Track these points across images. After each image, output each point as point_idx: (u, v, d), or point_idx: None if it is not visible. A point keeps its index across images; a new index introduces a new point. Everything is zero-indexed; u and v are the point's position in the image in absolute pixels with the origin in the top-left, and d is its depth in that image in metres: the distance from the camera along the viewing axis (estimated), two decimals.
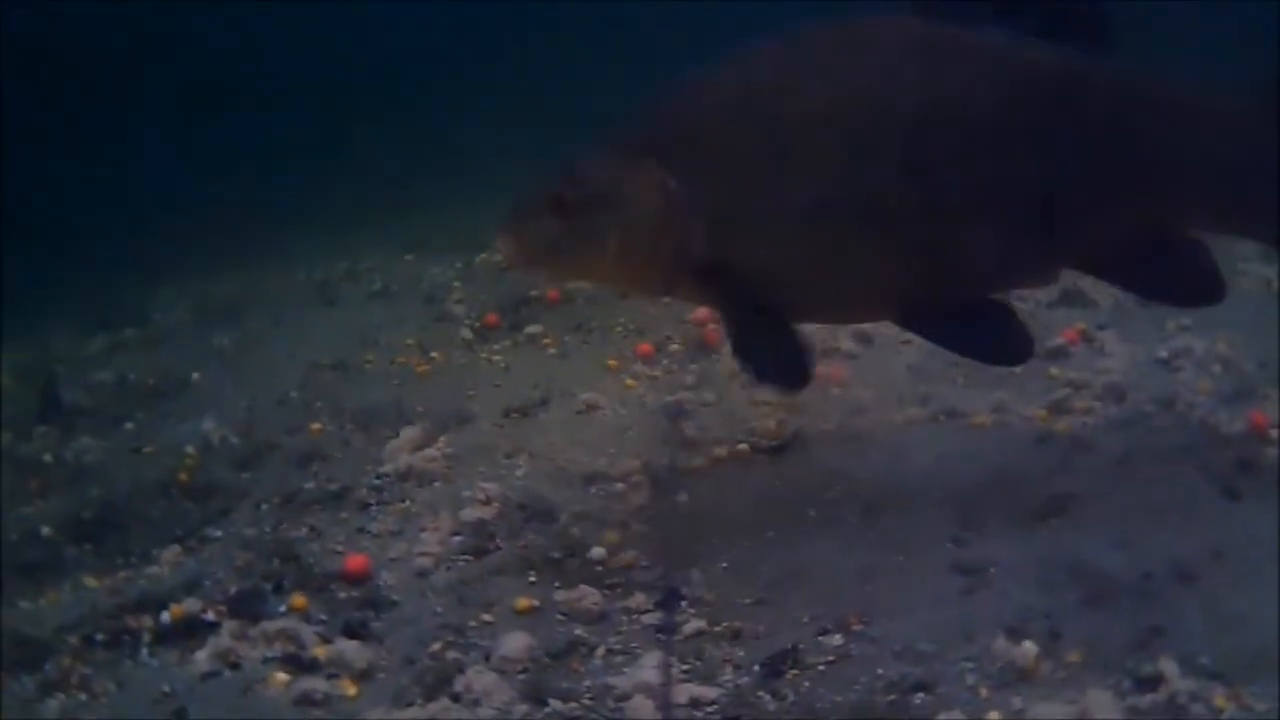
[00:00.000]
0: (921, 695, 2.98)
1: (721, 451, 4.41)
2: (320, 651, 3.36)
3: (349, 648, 3.32)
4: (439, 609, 3.53)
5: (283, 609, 3.61)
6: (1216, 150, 1.58)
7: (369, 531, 4.06)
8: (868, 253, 1.59)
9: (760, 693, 3.03)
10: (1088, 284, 5.94)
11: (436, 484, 4.34)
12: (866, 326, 5.47)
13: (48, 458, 5.08)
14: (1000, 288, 1.72)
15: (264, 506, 4.38)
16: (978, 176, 1.52)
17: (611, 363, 5.35)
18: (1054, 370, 4.93)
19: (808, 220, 1.57)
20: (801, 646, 3.19)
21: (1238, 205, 1.65)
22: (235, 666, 3.38)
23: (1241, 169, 1.61)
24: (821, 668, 3.12)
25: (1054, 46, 1.56)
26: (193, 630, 3.55)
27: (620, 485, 4.18)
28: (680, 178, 1.68)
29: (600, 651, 3.27)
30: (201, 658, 3.41)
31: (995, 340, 1.75)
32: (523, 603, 3.50)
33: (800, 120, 1.65)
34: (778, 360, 1.71)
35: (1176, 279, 1.82)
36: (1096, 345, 5.19)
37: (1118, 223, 1.65)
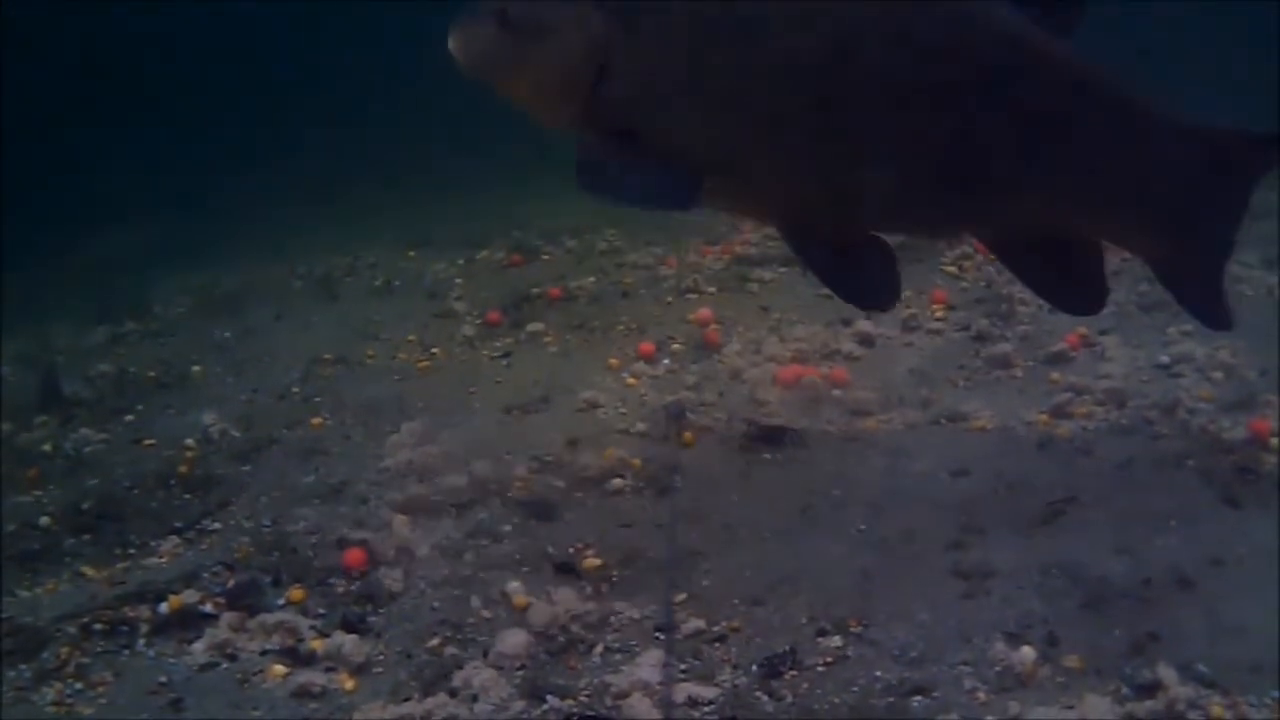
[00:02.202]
0: (919, 699, 2.98)
1: (722, 451, 4.41)
2: (318, 645, 3.36)
3: (347, 641, 3.32)
4: (437, 604, 3.53)
5: (281, 602, 3.61)
6: (1135, 162, 1.53)
7: (368, 526, 4.06)
8: (762, 153, 1.57)
9: (758, 693, 3.03)
10: None
11: (436, 480, 4.34)
12: (867, 328, 5.48)
13: (47, 448, 5.08)
14: (888, 229, 1.69)
15: (263, 500, 4.38)
16: (883, 113, 1.48)
17: (612, 361, 5.35)
18: (1055, 375, 4.93)
19: (713, 106, 1.57)
20: (800, 648, 3.19)
21: (1140, 225, 1.61)
22: (233, 658, 3.39)
23: (1156, 190, 1.56)
24: (820, 669, 3.12)
25: (1010, 15, 1.52)
26: (190, 622, 3.55)
27: (620, 483, 4.18)
28: (610, 23, 1.72)
29: (598, 649, 3.27)
30: (199, 649, 3.42)
31: (865, 282, 1.72)
32: (521, 599, 3.50)
33: (729, 12, 1.66)
34: (652, 182, 1.68)
35: (1064, 281, 1.79)
36: (1098, 350, 5.18)
37: (1020, 205, 1.60)
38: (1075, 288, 1.80)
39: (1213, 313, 1.74)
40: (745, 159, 1.56)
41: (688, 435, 4.54)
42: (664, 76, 1.71)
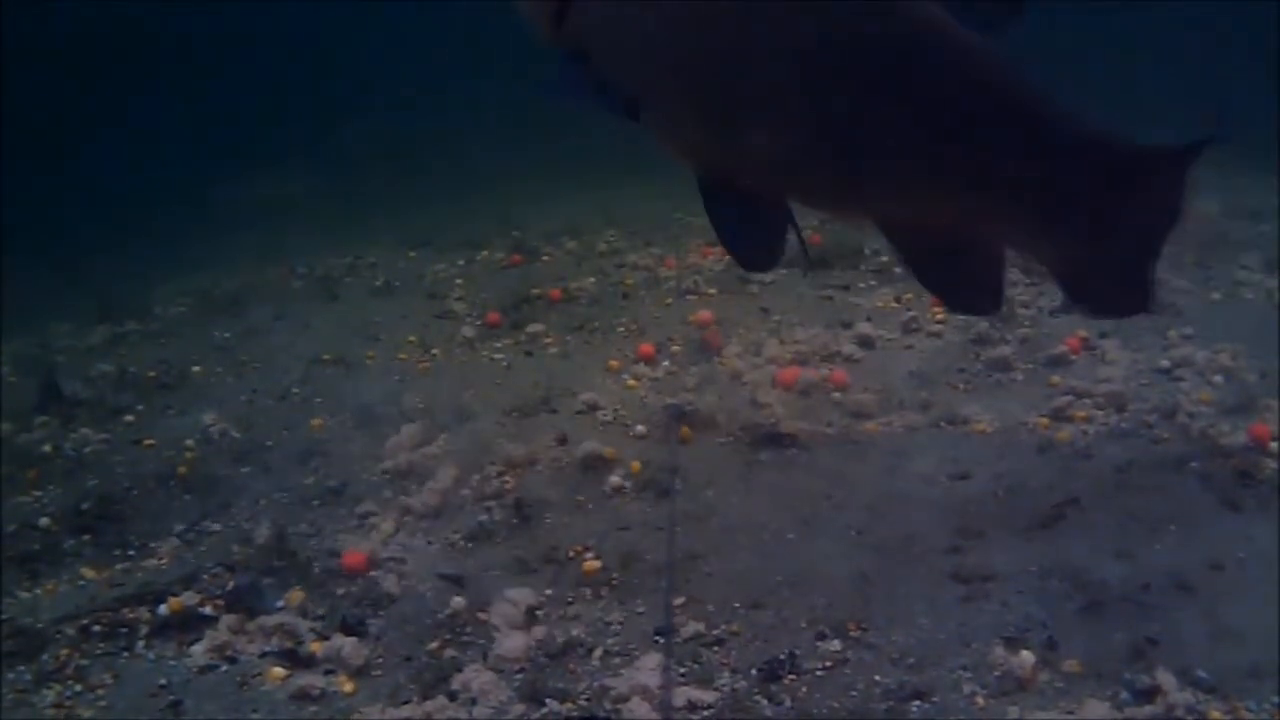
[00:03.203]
0: (918, 703, 2.98)
1: (721, 454, 4.41)
2: (317, 647, 3.36)
3: (346, 644, 3.32)
4: (437, 607, 3.53)
5: (280, 604, 3.61)
6: (1029, 167, 1.51)
7: (368, 528, 4.06)
8: (678, 102, 1.60)
9: (757, 697, 3.03)
10: None
11: (435, 481, 4.34)
12: (867, 330, 5.48)
13: (47, 449, 5.08)
14: (790, 197, 1.69)
15: (263, 501, 4.38)
16: (783, 82, 1.50)
17: (613, 363, 5.36)
18: (1055, 378, 4.93)
19: (638, 52, 1.60)
20: (799, 651, 3.19)
21: (1033, 230, 1.59)
22: (232, 661, 3.39)
23: (1050, 197, 1.54)
24: (819, 673, 3.12)
25: (927, 6, 1.52)
26: (190, 624, 3.55)
27: (620, 485, 4.18)
28: None
29: (598, 653, 3.27)
30: (198, 651, 3.42)
31: (753, 241, 1.73)
32: (521, 602, 3.49)
33: None
34: (601, 96, 1.71)
35: (958, 278, 1.76)
36: (1098, 353, 5.18)
37: (909, 194, 1.58)
38: (969, 286, 1.78)
39: (1117, 312, 1.75)
40: (665, 105, 1.60)
41: (685, 430, 4.54)
42: (602, 19, 1.76)
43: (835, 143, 1.58)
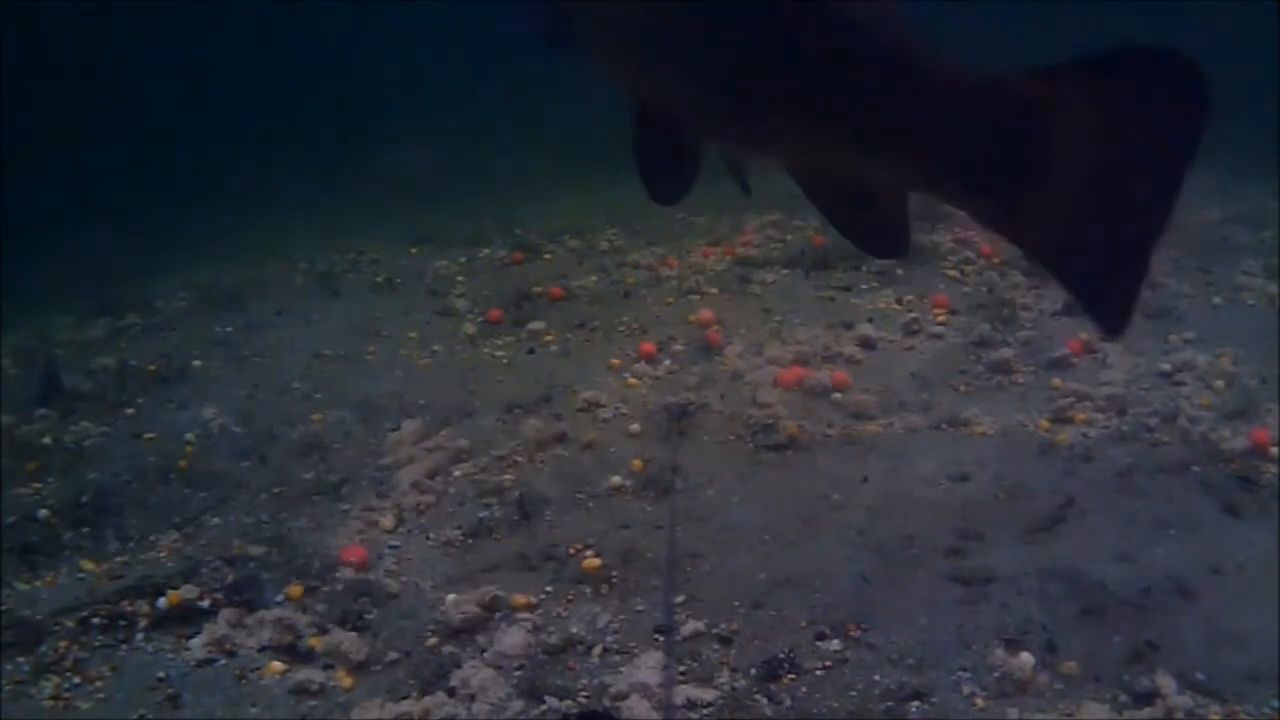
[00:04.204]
0: (918, 704, 2.98)
1: (722, 453, 4.41)
2: (316, 642, 3.36)
3: (345, 639, 3.32)
4: (436, 603, 3.53)
5: (280, 598, 3.61)
6: (909, 109, 1.52)
7: (368, 523, 4.06)
8: (613, 44, 1.67)
9: (756, 696, 3.03)
10: None
11: (437, 478, 4.34)
12: (868, 331, 5.48)
13: (47, 441, 5.06)
14: (703, 134, 1.74)
15: (263, 495, 4.38)
16: (688, 28, 1.56)
17: (614, 361, 5.35)
18: (1056, 381, 4.93)
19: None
20: (799, 651, 3.19)
21: (924, 170, 1.58)
22: (231, 654, 3.38)
23: (935, 138, 1.52)
24: (818, 673, 3.12)
25: None
26: (189, 617, 3.55)
27: (621, 484, 4.18)
28: None
29: (597, 650, 3.27)
30: (197, 645, 3.42)
31: (661, 175, 1.77)
32: (520, 599, 3.50)
33: None
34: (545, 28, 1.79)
35: (866, 223, 1.77)
36: (1099, 357, 5.19)
37: (811, 137, 1.61)
38: (874, 230, 1.79)
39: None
40: (597, 42, 1.68)
41: (689, 436, 4.54)
42: None
43: (730, 86, 1.63)
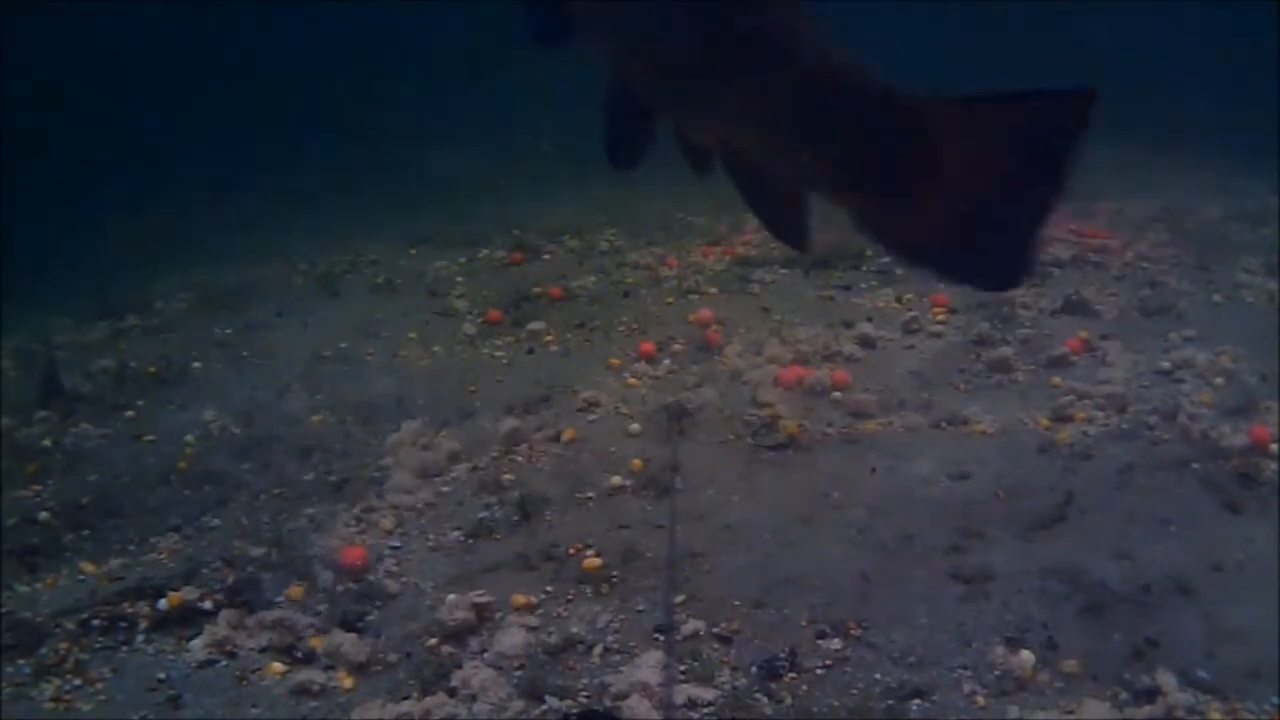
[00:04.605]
0: (918, 702, 2.98)
1: (722, 452, 4.41)
2: (317, 643, 3.36)
3: (346, 640, 3.32)
4: (436, 603, 3.53)
5: (280, 599, 3.61)
6: (795, 109, 1.62)
7: (368, 524, 4.06)
8: (595, 26, 1.82)
9: (757, 695, 3.03)
10: (1091, 293, 5.95)
11: (436, 478, 4.34)
12: (868, 330, 5.48)
13: (47, 443, 5.07)
14: (659, 111, 1.85)
15: (263, 497, 4.38)
16: (634, 13, 1.71)
17: (613, 361, 5.35)
18: (1056, 379, 4.93)
19: None
20: (799, 650, 3.19)
21: (810, 172, 1.68)
22: (231, 656, 3.38)
23: (819, 140, 1.62)
24: (819, 671, 3.12)
25: None
26: (189, 618, 3.55)
27: (621, 484, 4.18)
28: None
29: (598, 650, 3.26)
30: (197, 646, 3.42)
31: (615, 135, 1.88)
32: (521, 599, 3.50)
33: None
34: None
35: (772, 210, 1.87)
36: (1099, 355, 5.19)
37: (709, 122, 1.75)
38: (778, 218, 1.89)
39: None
40: (590, 30, 1.79)
41: (688, 436, 4.54)
42: None
43: (671, 72, 1.74)
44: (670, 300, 6.22)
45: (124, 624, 3.55)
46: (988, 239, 1.59)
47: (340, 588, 3.66)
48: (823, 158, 1.63)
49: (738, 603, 3.43)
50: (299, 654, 3.35)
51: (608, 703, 2.99)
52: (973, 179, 1.54)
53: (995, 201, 1.57)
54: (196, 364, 5.94)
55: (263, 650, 3.39)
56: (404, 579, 3.70)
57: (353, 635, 3.36)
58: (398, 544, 3.93)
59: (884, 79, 1.57)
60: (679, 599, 3.46)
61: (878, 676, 3.08)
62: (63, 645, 3.46)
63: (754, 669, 3.12)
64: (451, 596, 3.50)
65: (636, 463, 4.30)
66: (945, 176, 1.55)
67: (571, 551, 3.76)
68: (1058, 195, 1.53)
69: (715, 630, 3.30)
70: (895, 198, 1.57)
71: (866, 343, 5.42)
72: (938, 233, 1.59)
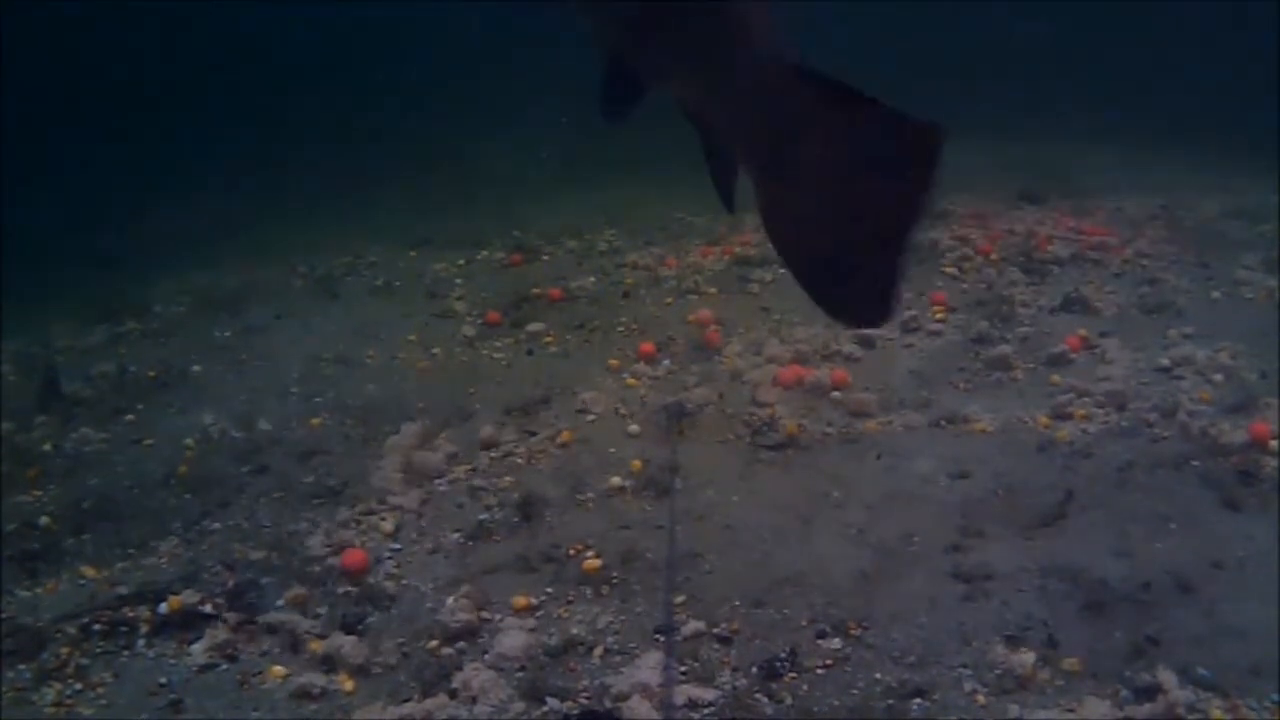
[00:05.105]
0: (919, 701, 2.98)
1: (721, 452, 4.41)
2: (317, 646, 3.36)
3: (346, 643, 3.32)
4: (437, 606, 3.53)
5: (280, 603, 3.61)
6: (723, 84, 1.77)
7: (368, 527, 4.06)
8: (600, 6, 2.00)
9: (758, 695, 3.03)
10: (1090, 291, 5.95)
11: (436, 480, 4.35)
12: (868, 331, 5.49)
13: (47, 447, 5.07)
14: (645, 74, 2.00)
15: (263, 500, 4.38)
16: None
17: (613, 362, 5.35)
18: (1055, 377, 4.93)
19: None
20: (800, 650, 3.19)
21: (733, 141, 1.85)
22: (232, 659, 3.39)
23: (742, 115, 1.76)
24: (819, 671, 3.12)
25: None
26: (190, 622, 3.55)
27: (621, 484, 4.18)
28: None
29: (598, 651, 3.27)
30: (198, 650, 3.42)
31: (607, 96, 2.06)
32: (521, 600, 3.50)
33: None
34: None
35: (713, 172, 2.03)
36: (1098, 352, 5.19)
37: (682, 87, 1.90)
38: (718, 180, 2.04)
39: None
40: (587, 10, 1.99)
41: (688, 436, 4.54)
42: None
43: (638, 41, 1.91)
44: (669, 300, 6.22)
45: (125, 628, 3.56)
46: (852, 251, 1.67)
47: (341, 590, 3.66)
48: (730, 123, 1.77)
49: (738, 603, 3.43)
50: (300, 657, 3.35)
51: (608, 704, 3.00)
52: (844, 172, 1.63)
53: (859, 208, 1.65)
54: (196, 367, 5.94)
55: (264, 654, 3.39)
56: (404, 581, 3.71)
57: (353, 638, 3.36)
58: (398, 546, 3.93)
59: (796, 61, 1.67)
60: (679, 599, 3.47)
61: (878, 676, 3.08)
62: (64, 650, 3.46)
63: (754, 669, 3.13)
64: (451, 599, 3.50)
65: (636, 463, 4.30)
66: (821, 160, 1.64)
67: (571, 553, 3.76)
68: (918, 217, 1.61)
69: (715, 631, 3.31)
70: (780, 175, 1.66)
71: (866, 342, 5.42)
72: (812, 234, 1.68)
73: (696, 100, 1.88)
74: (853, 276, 1.68)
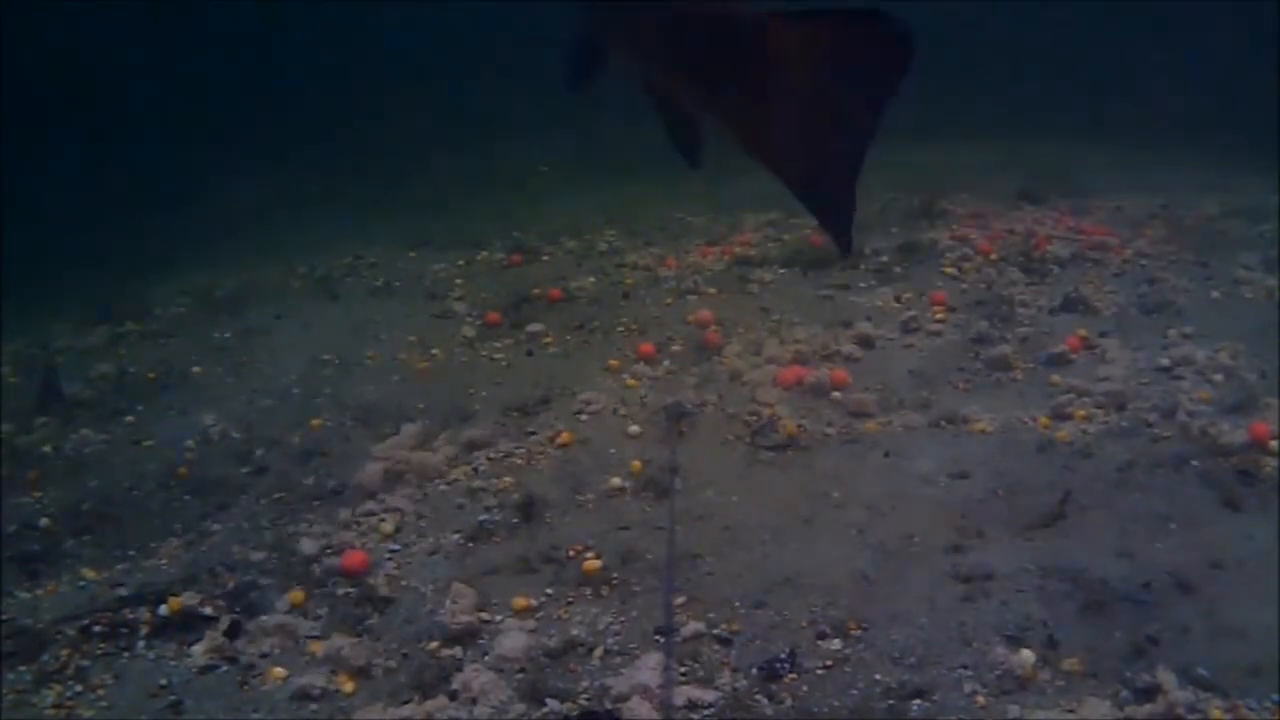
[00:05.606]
0: (919, 701, 2.98)
1: (721, 453, 4.41)
2: (317, 647, 3.36)
3: (346, 644, 3.32)
4: (437, 607, 3.53)
5: (281, 604, 3.61)
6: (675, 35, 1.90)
7: (368, 528, 4.06)
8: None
9: (757, 696, 3.03)
10: (1090, 291, 5.95)
11: (436, 481, 4.35)
12: (867, 330, 5.48)
13: (47, 449, 5.08)
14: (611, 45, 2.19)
15: (263, 501, 4.38)
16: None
17: (612, 362, 5.35)
18: (1055, 377, 4.93)
19: None
20: (799, 650, 3.19)
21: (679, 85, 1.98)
22: (232, 660, 3.39)
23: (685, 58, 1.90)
24: (819, 672, 3.12)
25: None
26: (190, 624, 3.55)
27: (620, 485, 4.18)
28: None
29: (598, 652, 3.27)
30: (198, 651, 3.42)
31: (569, 67, 2.24)
32: (521, 602, 3.50)
33: None
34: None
35: (672, 128, 2.15)
36: (1098, 352, 5.19)
37: (647, 53, 2.05)
38: (677, 135, 2.14)
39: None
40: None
41: (688, 436, 4.54)
42: None
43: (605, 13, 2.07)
44: (669, 301, 6.22)
45: (125, 630, 3.56)
46: (820, 148, 1.78)
47: (341, 592, 3.66)
48: (688, 73, 1.87)
49: (738, 604, 3.43)
50: (300, 658, 3.35)
51: (608, 705, 2.99)
52: (806, 82, 1.72)
53: (824, 108, 1.75)
54: (196, 368, 5.95)
55: (264, 655, 3.39)
56: (404, 582, 3.71)
57: (353, 639, 3.36)
58: (397, 547, 3.93)
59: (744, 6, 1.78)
60: (679, 600, 3.47)
61: (878, 677, 3.08)
62: (64, 652, 3.46)
63: (754, 670, 3.12)
64: (451, 600, 3.50)
65: (636, 464, 4.30)
66: (783, 81, 1.73)
67: (571, 553, 3.76)
68: (876, 119, 1.70)
69: (715, 631, 3.30)
70: (746, 103, 1.75)
71: (865, 342, 5.42)
72: (784, 135, 1.78)
73: (662, 67, 1.96)
74: (833, 181, 1.79)
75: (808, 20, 1.68)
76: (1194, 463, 4.09)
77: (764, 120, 1.75)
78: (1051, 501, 3.87)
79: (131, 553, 4.11)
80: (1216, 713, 2.85)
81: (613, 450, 4.47)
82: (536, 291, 6.45)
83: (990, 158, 10.21)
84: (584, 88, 2.24)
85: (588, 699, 3.05)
